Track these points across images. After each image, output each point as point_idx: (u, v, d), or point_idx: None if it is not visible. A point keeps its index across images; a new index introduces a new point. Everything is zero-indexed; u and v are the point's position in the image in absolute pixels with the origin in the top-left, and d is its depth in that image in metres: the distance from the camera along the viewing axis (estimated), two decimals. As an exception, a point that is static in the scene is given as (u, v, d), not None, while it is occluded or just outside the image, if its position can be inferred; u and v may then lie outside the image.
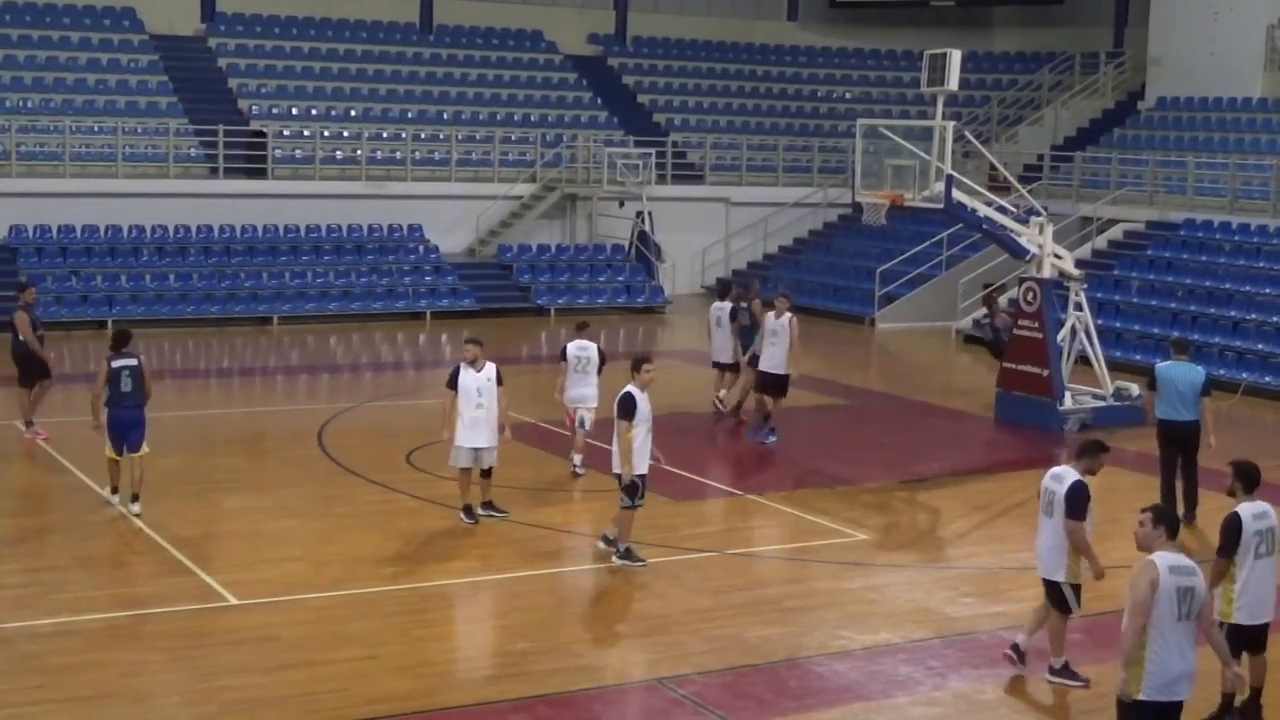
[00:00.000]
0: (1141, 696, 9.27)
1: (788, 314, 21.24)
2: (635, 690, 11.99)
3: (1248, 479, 11.27)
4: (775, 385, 21.50)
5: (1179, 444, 17.42)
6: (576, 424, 19.03)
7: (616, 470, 15.15)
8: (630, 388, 15.00)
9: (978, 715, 11.76)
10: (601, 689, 11.98)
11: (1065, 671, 12.36)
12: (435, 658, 12.68)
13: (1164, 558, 9.32)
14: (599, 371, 19.13)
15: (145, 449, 16.83)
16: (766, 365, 21.47)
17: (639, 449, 14.93)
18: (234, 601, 13.86)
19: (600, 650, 12.98)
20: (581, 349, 19.12)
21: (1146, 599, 9.21)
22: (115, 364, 16.79)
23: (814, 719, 11.58)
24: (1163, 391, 17.38)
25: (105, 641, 12.76)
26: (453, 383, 16.47)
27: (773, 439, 21.34)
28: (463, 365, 16.56)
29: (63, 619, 13.23)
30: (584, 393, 19.02)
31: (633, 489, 15.05)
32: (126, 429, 16.74)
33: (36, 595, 13.94)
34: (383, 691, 11.76)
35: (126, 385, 16.75)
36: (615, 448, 15.15)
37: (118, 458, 16.87)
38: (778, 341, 21.25)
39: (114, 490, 17.05)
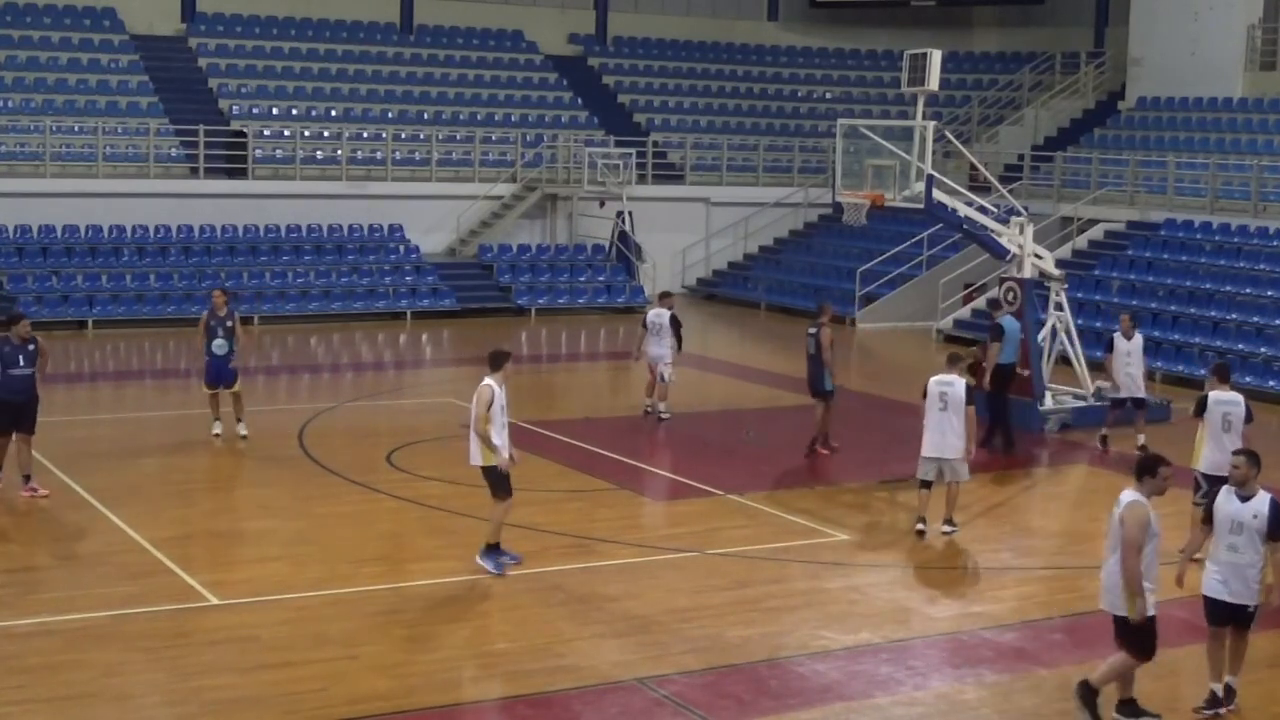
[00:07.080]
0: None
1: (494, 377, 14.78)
2: (616, 690, 11.97)
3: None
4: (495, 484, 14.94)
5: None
6: (658, 378, 22.74)
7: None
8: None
9: (959, 715, 11.77)
10: (582, 689, 11.97)
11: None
12: (415, 658, 12.66)
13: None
14: (673, 334, 22.73)
15: None
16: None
17: None
18: (214, 601, 13.85)
19: (580, 650, 12.96)
20: (658, 315, 22.76)
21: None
22: None
23: (794, 719, 11.60)
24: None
25: (85, 641, 12.72)
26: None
27: (511, 560, 15.14)
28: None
29: (42, 619, 13.19)
30: (659, 352, 22.71)
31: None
32: None
33: (15, 595, 13.91)
34: (363, 691, 11.75)
35: None
36: None
37: None
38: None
39: None
